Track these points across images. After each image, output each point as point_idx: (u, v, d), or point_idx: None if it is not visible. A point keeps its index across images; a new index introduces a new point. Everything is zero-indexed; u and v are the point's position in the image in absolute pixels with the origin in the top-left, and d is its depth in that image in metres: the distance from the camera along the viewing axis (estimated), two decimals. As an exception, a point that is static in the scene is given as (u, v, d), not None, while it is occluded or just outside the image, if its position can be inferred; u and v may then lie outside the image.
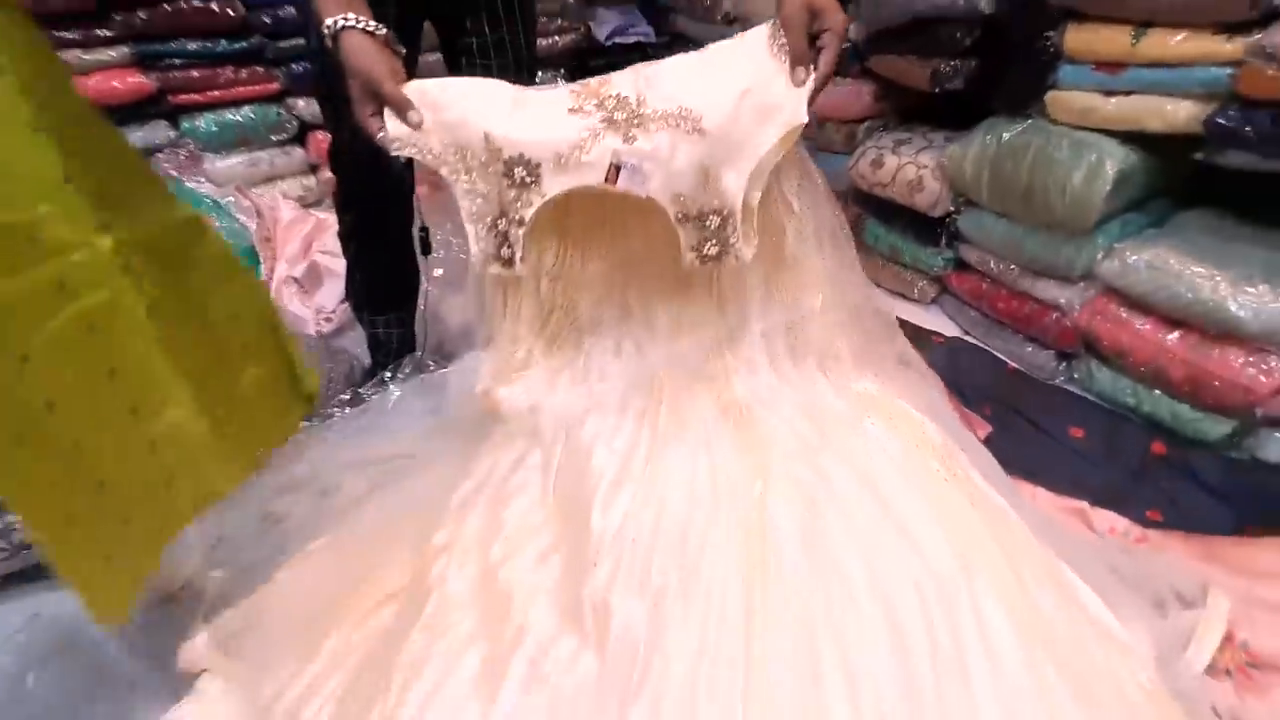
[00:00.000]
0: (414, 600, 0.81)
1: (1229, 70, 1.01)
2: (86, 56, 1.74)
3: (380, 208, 1.23)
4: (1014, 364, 1.41)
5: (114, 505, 0.73)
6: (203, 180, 1.82)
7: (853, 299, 0.90)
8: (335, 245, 1.86)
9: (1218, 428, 1.11)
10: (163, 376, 0.76)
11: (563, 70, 2.35)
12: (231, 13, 1.80)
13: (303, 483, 1.11)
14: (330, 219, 1.95)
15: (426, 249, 1.20)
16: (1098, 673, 0.69)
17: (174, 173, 1.80)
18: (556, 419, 0.81)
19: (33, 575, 1.07)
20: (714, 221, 0.77)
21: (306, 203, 2.03)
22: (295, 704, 0.79)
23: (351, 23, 0.76)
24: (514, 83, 0.86)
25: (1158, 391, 1.18)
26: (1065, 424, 1.25)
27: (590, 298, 0.85)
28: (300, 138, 2.05)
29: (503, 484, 0.84)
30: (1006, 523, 0.81)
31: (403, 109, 0.77)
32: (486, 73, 1.11)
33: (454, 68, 1.15)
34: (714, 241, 0.78)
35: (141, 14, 1.74)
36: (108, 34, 1.74)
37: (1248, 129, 1.00)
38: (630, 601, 0.69)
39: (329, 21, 0.76)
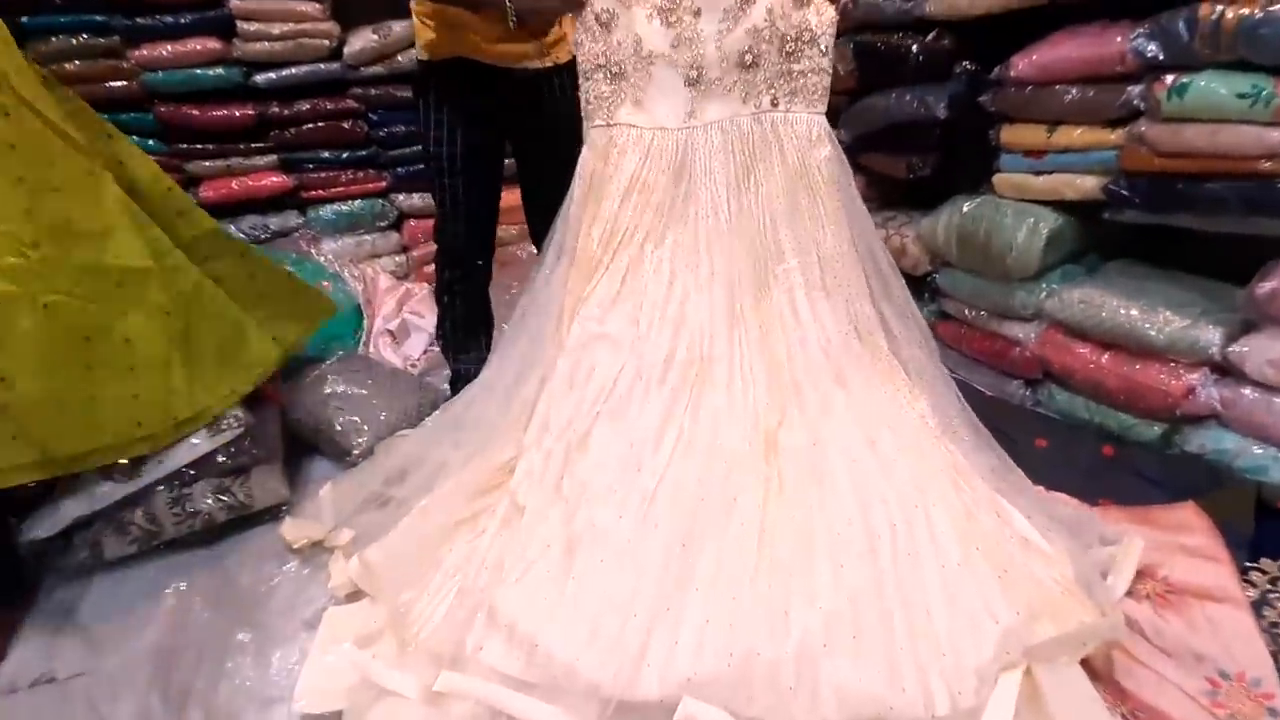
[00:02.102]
0: (504, 517, 1.06)
1: (1115, 152, 1.34)
2: (246, 161, 2.26)
3: (469, 270, 1.59)
4: (990, 393, 1.67)
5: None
6: (323, 256, 2.26)
7: (869, 239, 1.18)
8: (421, 307, 2.28)
9: (1151, 430, 1.35)
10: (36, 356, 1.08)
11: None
12: (358, 130, 2.32)
13: (405, 471, 1.40)
14: (415, 288, 2.38)
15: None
16: (1019, 567, 0.93)
17: (304, 245, 2.25)
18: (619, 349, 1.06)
19: (194, 540, 1.37)
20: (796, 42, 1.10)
21: (399, 275, 2.46)
22: (425, 603, 1.04)
23: None
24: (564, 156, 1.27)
25: (1104, 405, 1.43)
26: (1032, 437, 1.49)
27: (658, 222, 1.12)
28: (397, 224, 2.51)
29: (567, 418, 1.08)
30: (960, 467, 1.06)
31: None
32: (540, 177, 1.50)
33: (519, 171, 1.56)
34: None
35: (290, 131, 2.26)
36: (263, 145, 2.26)
37: (1133, 193, 1.32)
38: (673, 502, 0.95)
39: None
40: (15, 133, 1.09)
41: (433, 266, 2.43)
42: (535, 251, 1.72)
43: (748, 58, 1.13)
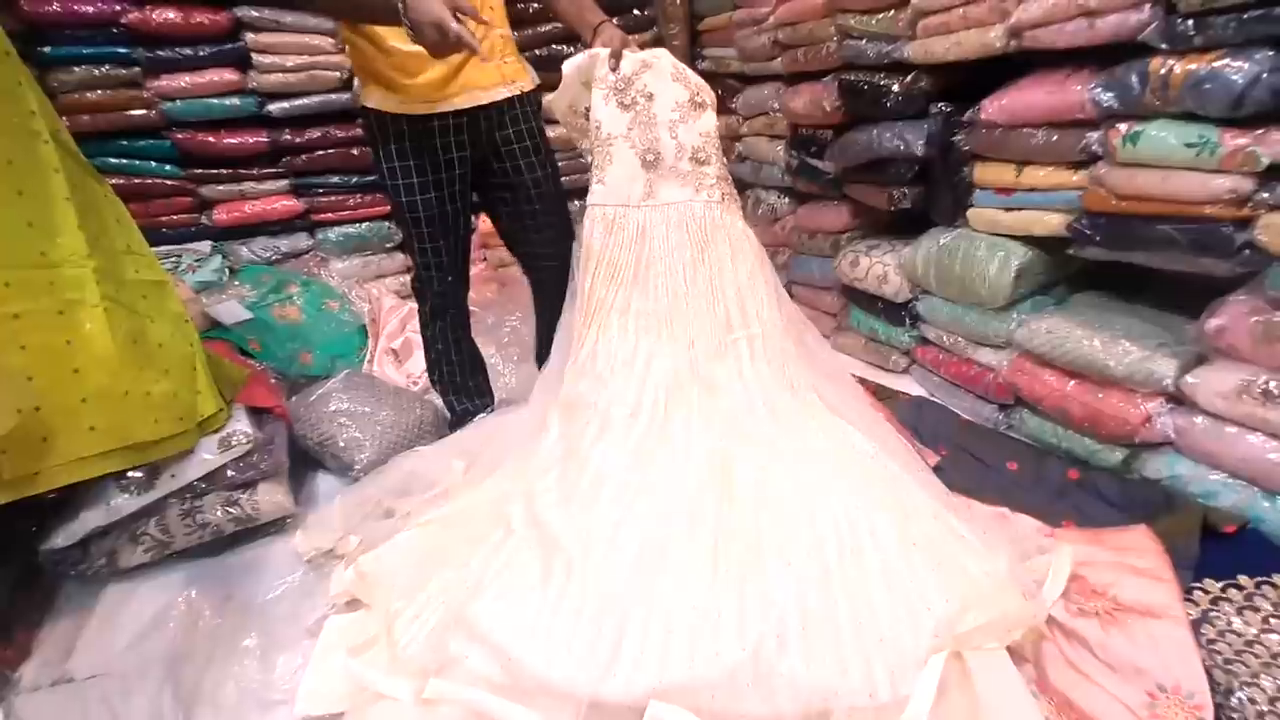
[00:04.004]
0: (494, 542, 1.15)
1: (1078, 192, 1.42)
2: (259, 186, 2.36)
3: (452, 310, 1.61)
4: (966, 416, 1.74)
5: (41, 426, 1.13)
6: (331, 277, 2.35)
7: (794, 317, 1.34)
8: (423, 326, 2.35)
9: (1114, 455, 1.41)
10: (103, 354, 1.18)
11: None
12: (366, 157, 2.40)
13: (409, 486, 1.48)
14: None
15: None
16: (953, 561, 1.02)
17: (314, 267, 2.35)
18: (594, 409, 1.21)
19: (203, 550, 1.44)
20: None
21: (402, 295, 2.55)
22: (412, 615, 1.11)
23: None
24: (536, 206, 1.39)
25: (1070, 430, 1.50)
26: (1003, 459, 1.56)
27: (624, 293, 1.29)
28: (401, 246, 2.60)
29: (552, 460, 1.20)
30: (901, 481, 1.15)
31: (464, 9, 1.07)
32: (516, 204, 1.51)
33: (489, 203, 1.53)
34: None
35: (302, 157, 2.37)
36: (275, 170, 2.37)
37: (1095, 232, 1.39)
38: (635, 526, 1.03)
39: None
40: (59, 161, 1.19)
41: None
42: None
43: (701, 154, 1.30)
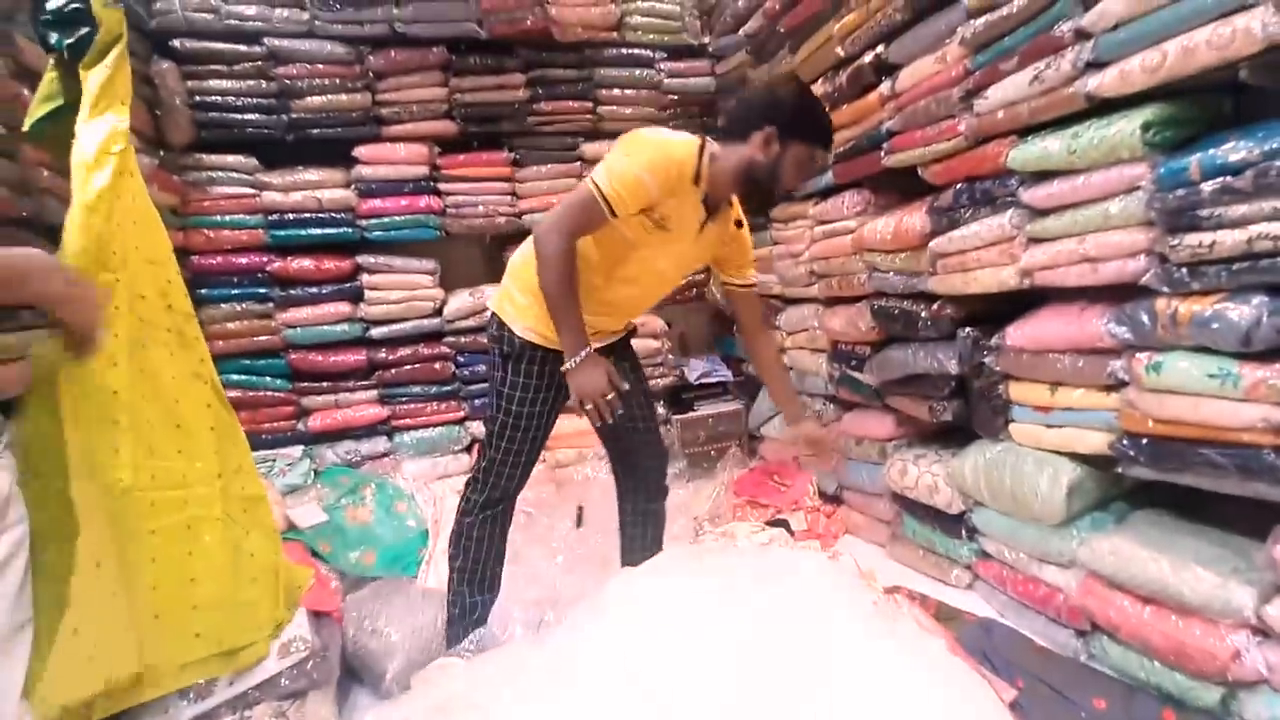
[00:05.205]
0: None
1: (1115, 412, 1.46)
2: (351, 396, 2.66)
3: (507, 509, 1.71)
4: (1041, 641, 1.62)
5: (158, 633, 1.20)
6: (403, 478, 2.52)
7: None
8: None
9: (1209, 694, 1.28)
10: (218, 564, 1.29)
11: (663, 400, 3.07)
12: (446, 370, 2.73)
13: (448, 707, 1.45)
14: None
15: (579, 522, 1.70)
16: None
17: (388, 468, 2.53)
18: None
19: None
20: None
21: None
22: None
23: (591, 349, 1.40)
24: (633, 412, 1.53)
25: (1157, 663, 1.37)
26: (1089, 695, 1.43)
27: None
28: (469, 447, 2.80)
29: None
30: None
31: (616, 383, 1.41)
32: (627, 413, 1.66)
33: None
34: None
35: (392, 371, 2.68)
36: (368, 384, 2.68)
37: (1138, 452, 1.40)
38: None
39: (584, 350, 1.39)
40: (210, 397, 1.42)
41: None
42: (590, 475, 1.91)
43: None
